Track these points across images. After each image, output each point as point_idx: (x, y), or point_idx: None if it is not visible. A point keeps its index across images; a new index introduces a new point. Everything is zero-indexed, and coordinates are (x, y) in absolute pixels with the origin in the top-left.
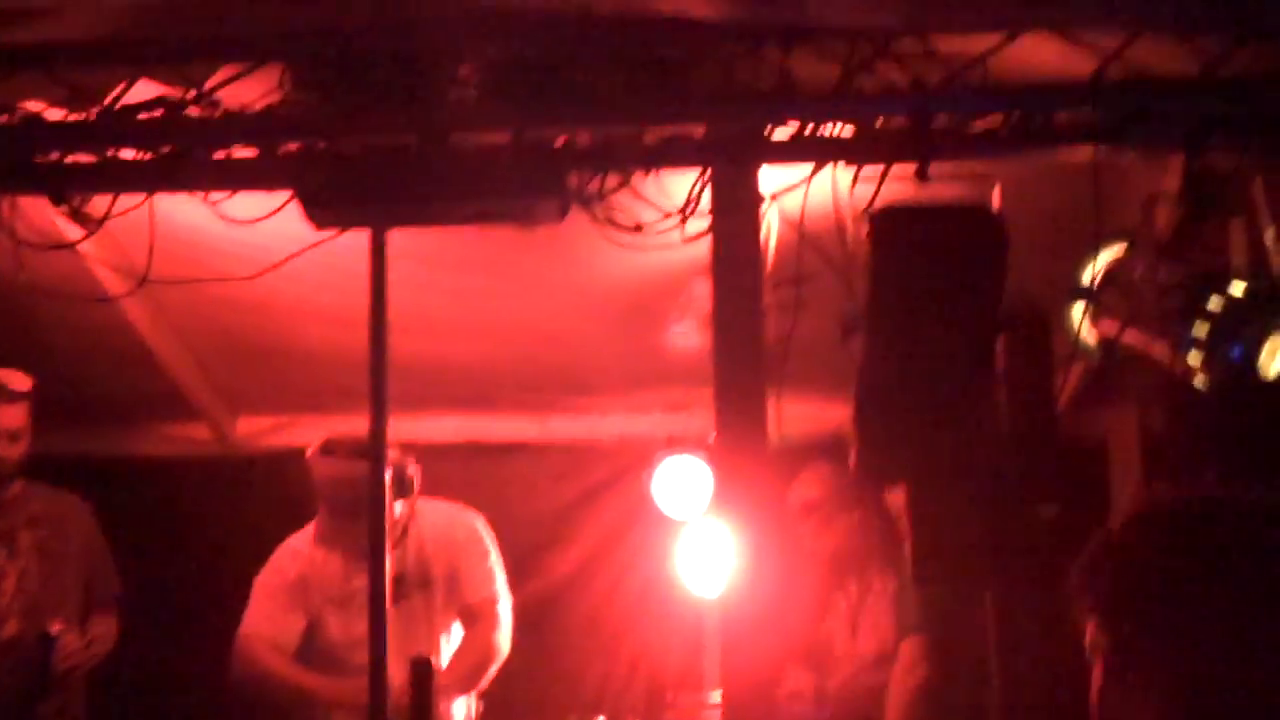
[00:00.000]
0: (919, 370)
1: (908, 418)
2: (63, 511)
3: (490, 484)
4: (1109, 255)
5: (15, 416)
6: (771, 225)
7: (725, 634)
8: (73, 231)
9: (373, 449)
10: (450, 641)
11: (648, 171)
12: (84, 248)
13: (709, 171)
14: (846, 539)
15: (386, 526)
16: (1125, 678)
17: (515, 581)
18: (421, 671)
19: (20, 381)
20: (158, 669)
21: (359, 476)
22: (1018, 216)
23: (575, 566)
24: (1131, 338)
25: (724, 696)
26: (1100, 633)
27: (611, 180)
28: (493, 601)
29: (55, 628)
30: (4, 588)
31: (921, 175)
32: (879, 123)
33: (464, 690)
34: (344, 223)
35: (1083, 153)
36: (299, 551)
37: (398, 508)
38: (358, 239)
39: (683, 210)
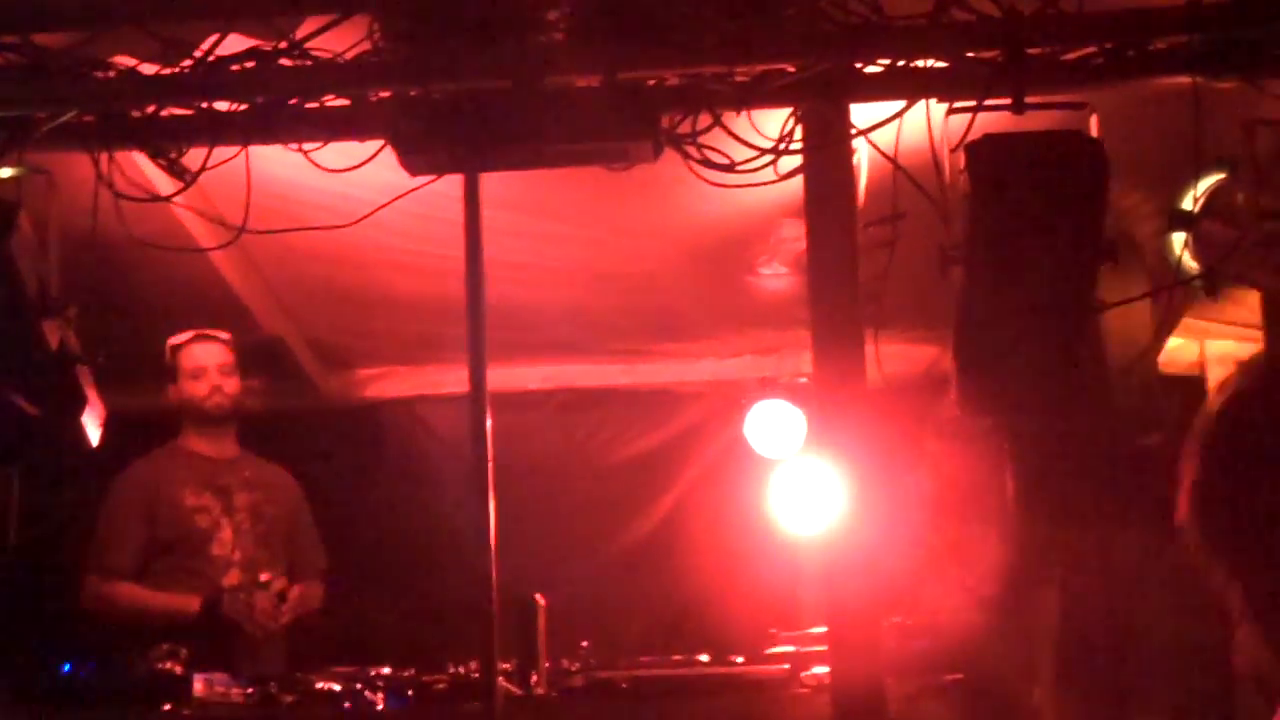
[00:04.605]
0: (1020, 301)
1: (1009, 349)
2: (274, 480)
3: (583, 430)
4: (1209, 182)
5: (222, 354)
6: (863, 163)
7: (829, 571)
8: (166, 185)
9: (473, 396)
10: None
11: (739, 110)
12: (177, 202)
13: (801, 109)
14: (958, 457)
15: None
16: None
17: (613, 526)
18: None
19: (220, 331)
20: None
21: None
22: (1116, 145)
23: (671, 510)
24: (1233, 266)
25: (829, 633)
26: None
27: (703, 119)
28: None
29: (264, 577)
30: (223, 538)
31: (1016, 108)
32: (972, 55)
33: None
34: (437, 168)
35: (1181, 79)
36: None
37: None
38: (449, 188)
39: (775, 148)
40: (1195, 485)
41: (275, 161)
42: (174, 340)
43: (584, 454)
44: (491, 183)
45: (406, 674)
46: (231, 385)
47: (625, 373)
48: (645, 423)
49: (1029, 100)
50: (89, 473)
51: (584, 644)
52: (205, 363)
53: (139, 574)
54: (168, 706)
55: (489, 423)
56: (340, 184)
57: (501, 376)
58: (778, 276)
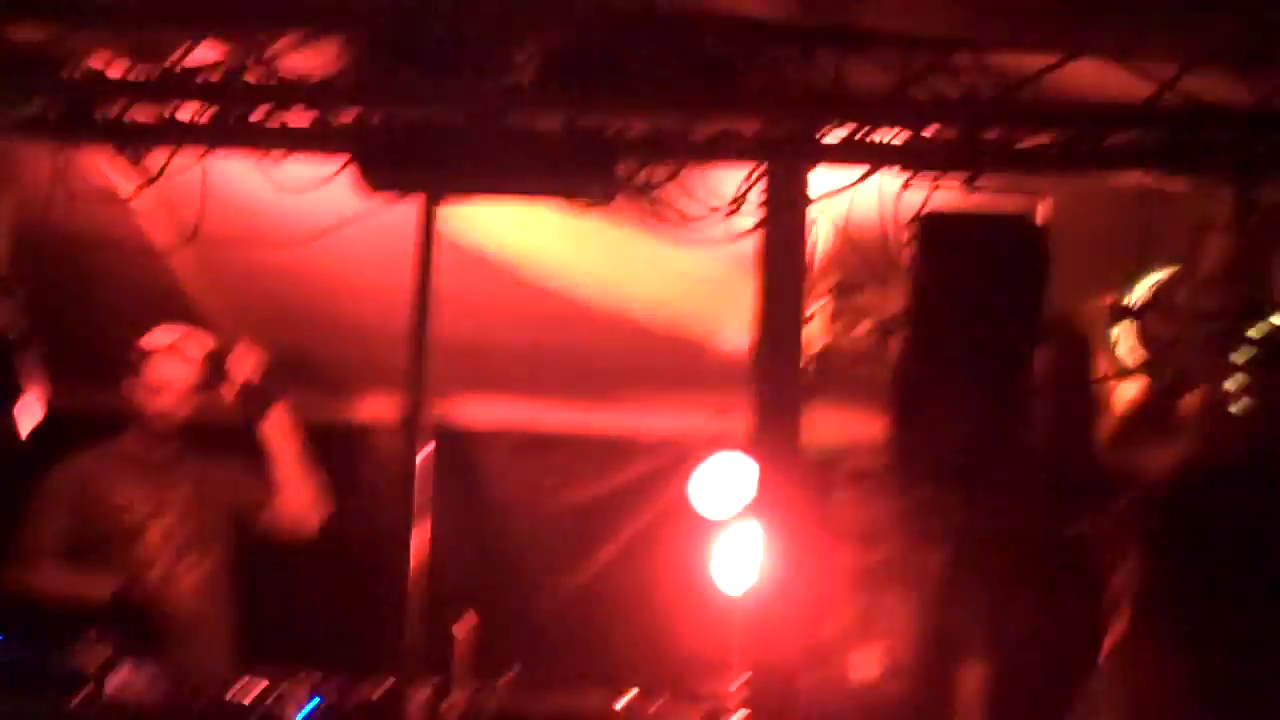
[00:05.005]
0: (955, 374)
1: (943, 420)
2: (214, 469)
3: (532, 472)
4: (1154, 279)
5: (188, 373)
6: (819, 233)
7: (753, 626)
8: (126, 186)
9: (409, 423)
10: None
11: (698, 165)
12: (137, 204)
13: (759, 170)
14: (881, 523)
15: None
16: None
17: (552, 569)
18: None
19: (202, 343)
20: None
21: None
22: (1065, 234)
23: (613, 556)
24: (1173, 363)
25: (749, 686)
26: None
27: (661, 172)
28: None
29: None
30: (152, 536)
31: (969, 187)
32: (930, 133)
33: None
34: (397, 187)
35: (1132, 176)
36: None
37: None
38: (410, 216)
39: (730, 207)
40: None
41: (238, 176)
42: (146, 343)
43: (532, 495)
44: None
45: (328, 683)
46: (187, 407)
47: (578, 417)
48: (594, 470)
49: (980, 183)
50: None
51: (514, 669)
52: (168, 379)
53: (64, 564)
54: (79, 699)
55: (430, 448)
56: (304, 203)
57: (453, 409)
58: (734, 336)
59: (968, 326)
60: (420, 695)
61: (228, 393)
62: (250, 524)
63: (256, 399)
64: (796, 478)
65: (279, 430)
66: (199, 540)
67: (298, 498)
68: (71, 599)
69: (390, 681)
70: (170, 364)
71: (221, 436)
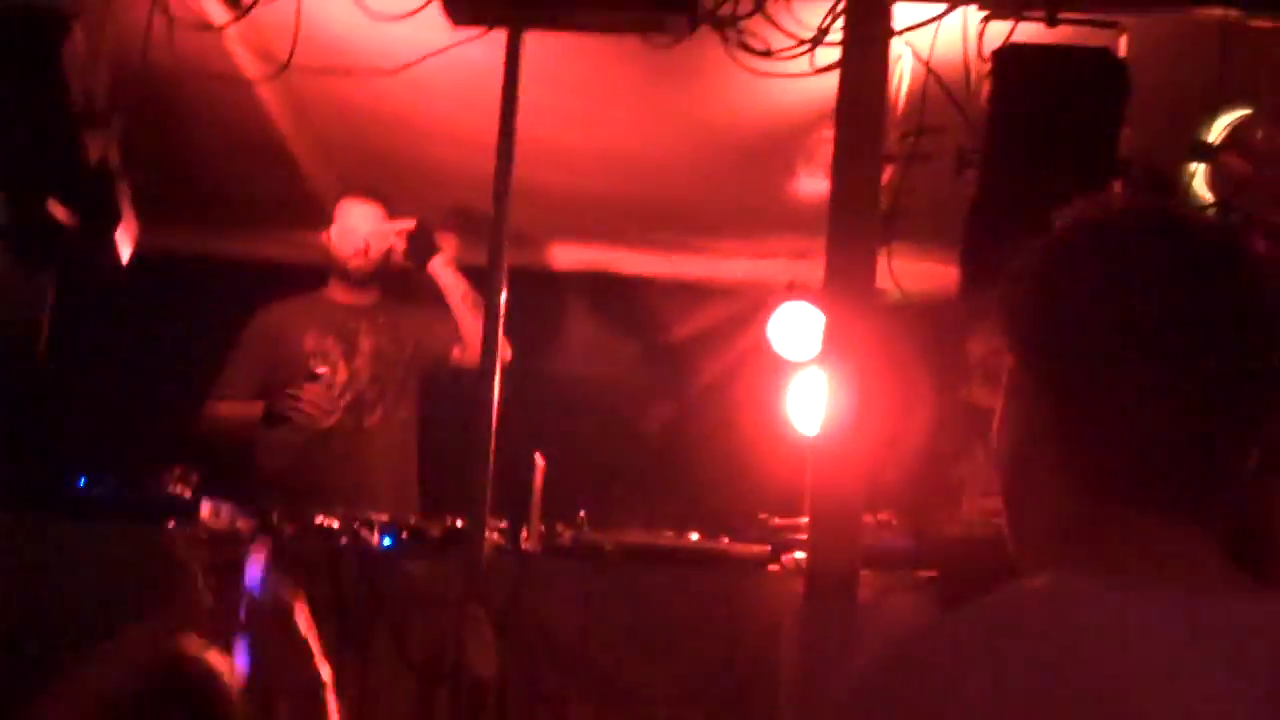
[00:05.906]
0: (1032, 208)
1: (1015, 249)
2: (402, 320)
3: (614, 315)
4: (1232, 118)
5: (378, 218)
6: (905, 71)
7: (817, 461)
8: (220, 15)
9: (492, 267)
10: None
11: None
12: (229, 35)
13: (842, 1)
14: (960, 368)
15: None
16: None
17: (629, 408)
18: None
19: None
20: None
21: None
22: (1143, 70)
23: (689, 401)
24: (1246, 202)
25: (810, 517)
26: None
27: (746, 2)
28: None
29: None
30: (336, 380)
31: (1050, 20)
32: None
33: None
34: (481, 19)
35: (1215, 11)
36: None
37: None
38: (495, 57)
39: (814, 38)
40: None
41: (332, 13)
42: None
43: (610, 338)
44: (537, 60)
45: (406, 519)
46: (374, 260)
47: (656, 263)
48: (672, 314)
49: (1062, 15)
50: (123, 295)
51: (581, 513)
52: (358, 225)
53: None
54: (171, 525)
55: (504, 295)
56: (392, 41)
57: (534, 255)
58: (815, 181)
59: (1042, 157)
60: (497, 528)
61: (397, 243)
62: (442, 364)
63: (422, 245)
64: (867, 323)
65: (446, 271)
66: (384, 387)
67: (477, 332)
68: (237, 426)
69: (468, 517)
70: (359, 208)
71: (409, 287)
